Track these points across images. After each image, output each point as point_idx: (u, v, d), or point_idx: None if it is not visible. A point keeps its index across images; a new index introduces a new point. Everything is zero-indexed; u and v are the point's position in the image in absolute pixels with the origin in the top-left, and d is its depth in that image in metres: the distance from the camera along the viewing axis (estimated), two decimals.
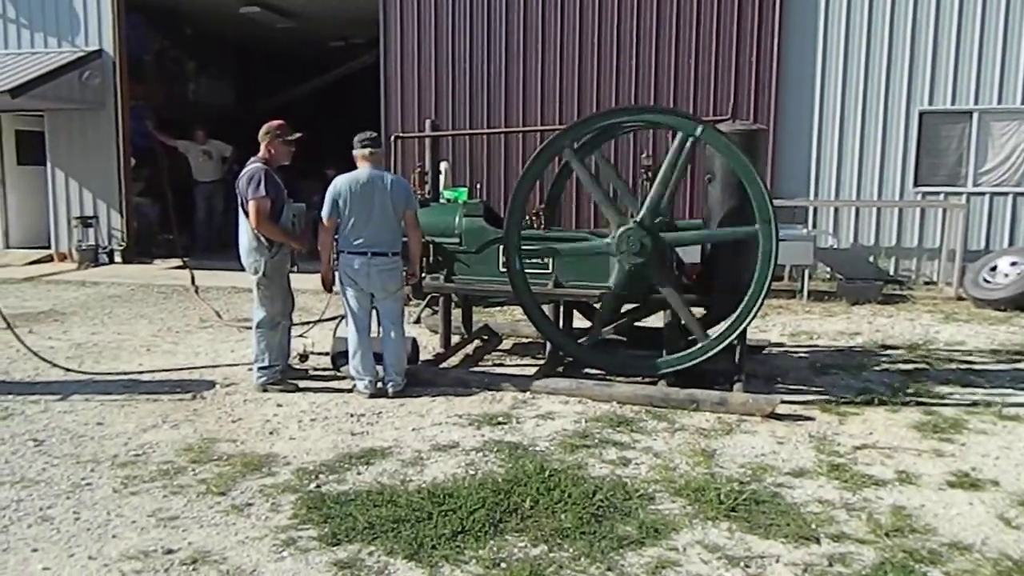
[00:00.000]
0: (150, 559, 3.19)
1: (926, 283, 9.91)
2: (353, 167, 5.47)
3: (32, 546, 3.30)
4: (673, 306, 5.44)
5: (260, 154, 5.53)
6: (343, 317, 5.81)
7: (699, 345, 5.37)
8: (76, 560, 3.19)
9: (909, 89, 9.82)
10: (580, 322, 6.25)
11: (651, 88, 10.38)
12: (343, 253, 5.38)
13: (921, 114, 9.84)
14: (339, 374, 5.83)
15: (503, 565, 3.14)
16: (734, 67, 10.15)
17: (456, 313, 6.78)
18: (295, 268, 5.74)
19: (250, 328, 5.76)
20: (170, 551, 3.25)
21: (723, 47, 10.17)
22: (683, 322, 5.45)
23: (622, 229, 5.33)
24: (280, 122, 5.63)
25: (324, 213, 5.37)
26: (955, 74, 9.69)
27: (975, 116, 9.70)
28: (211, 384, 5.71)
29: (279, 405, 5.23)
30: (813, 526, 3.48)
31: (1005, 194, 9.75)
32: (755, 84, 10.13)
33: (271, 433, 4.70)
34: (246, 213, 5.39)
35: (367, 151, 5.42)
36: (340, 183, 5.37)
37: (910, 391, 5.51)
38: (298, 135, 5.64)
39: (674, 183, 5.38)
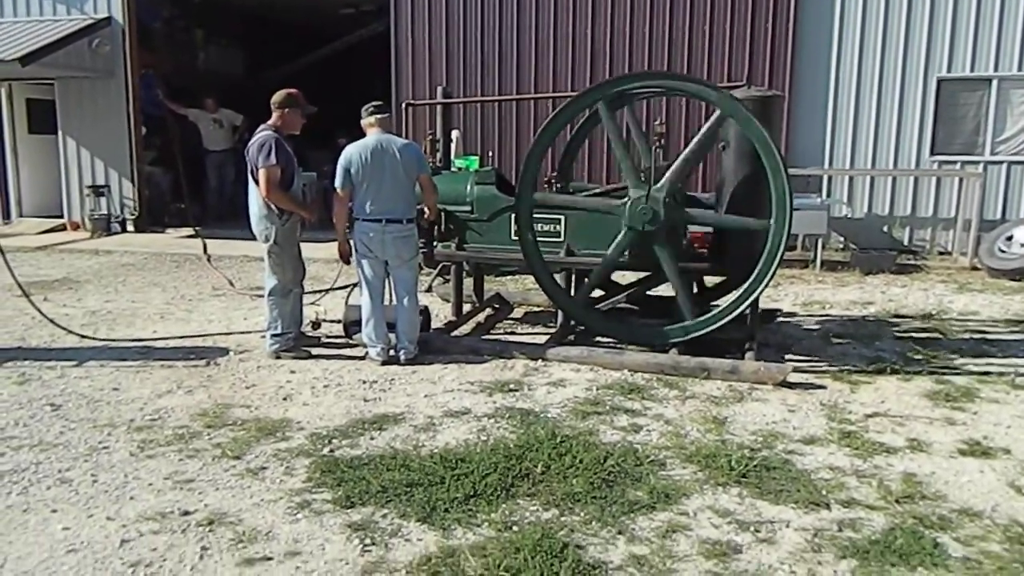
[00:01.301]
0: (167, 520, 3.24)
1: (940, 253, 9.83)
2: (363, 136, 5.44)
3: (52, 507, 3.36)
4: (670, 278, 5.41)
5: (271, 121, 5.49)
6: (355, 285, 5.81)
7: (711, 313, 5.35)
8: (95, 520, 3.25)
9: (927, 55, 9.65)
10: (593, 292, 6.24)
11: (665, 54, 10.25)
12: (357, 221, 5.37)
13: (939, 81, 9.67)
14: (351, 341, 5.86)
15: (515, 528, 3.17)
16: (749, 32, 10.00)
17: (468, 282, 6.79)
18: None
19: (262, 296, 5.79)
20: (187, 512, 3.31)
21: (738, 12, 10.01)
22: (676, 295, 5.41)
23: (639, 194, 5.29)
24: (297, 91, 5.58)
25: (337, 183, 5.35)
26: (975, 40, 9.50)
27: (994, 83, 9.53)
28: (225, 351, 5.75)
29: (292, 372, 5.27)
30: (823, 492, 3.49)
31: (1023, 163, 9.62)
32: (771, 50, 9.98)
33: (285, 399, 4.75)
34: (256, 181, 5.38)
35: (374, 118, 5.37)
36: (350, 152, 5.33)
37: (922, 360, 5.49)
38: (313, 109, 5.62)
39: (696, 157, 5.32)
